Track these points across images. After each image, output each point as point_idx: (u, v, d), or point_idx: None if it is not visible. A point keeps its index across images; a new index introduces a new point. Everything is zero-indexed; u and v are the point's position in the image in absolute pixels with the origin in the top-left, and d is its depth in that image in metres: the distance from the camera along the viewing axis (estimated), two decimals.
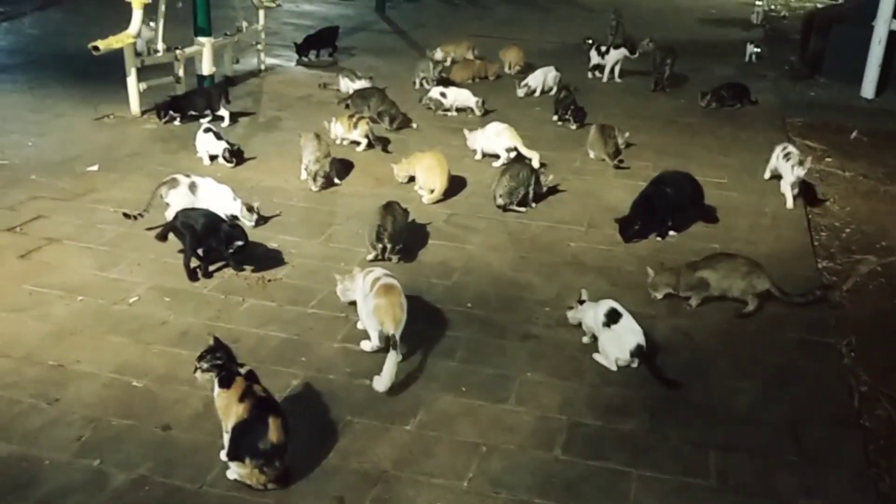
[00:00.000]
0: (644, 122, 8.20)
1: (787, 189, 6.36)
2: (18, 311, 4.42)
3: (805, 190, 6.47)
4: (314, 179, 6.24)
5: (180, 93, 7.97)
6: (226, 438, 3.27)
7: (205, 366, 3.32)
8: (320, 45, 10.39)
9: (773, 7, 16.31)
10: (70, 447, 3.43)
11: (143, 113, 7.79)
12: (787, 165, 6.33)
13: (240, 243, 4.85)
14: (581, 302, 4.45)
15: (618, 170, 6.90)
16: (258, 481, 3.19)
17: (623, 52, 9.84)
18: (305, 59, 10.20)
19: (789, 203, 6.30)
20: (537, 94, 9.07)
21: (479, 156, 7.02)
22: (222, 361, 3.31)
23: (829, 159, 7.59)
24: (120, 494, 3.19)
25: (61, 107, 7.96)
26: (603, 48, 9.99)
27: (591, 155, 7.16)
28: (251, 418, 3.20)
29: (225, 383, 3.30)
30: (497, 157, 6.88)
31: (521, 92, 9.03)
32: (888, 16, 9.36)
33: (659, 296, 4.85)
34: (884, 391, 4.15)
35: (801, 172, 6.23)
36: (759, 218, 6.14)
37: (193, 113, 7.67)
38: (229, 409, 3.26)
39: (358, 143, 7.15)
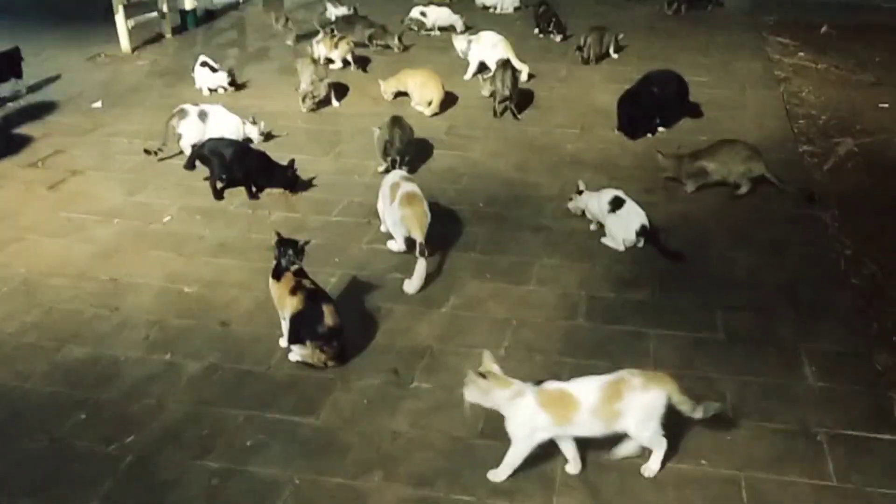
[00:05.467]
0: (623, 29, 8.40)
1: None
2: (61, 236, 4.70)
3: None
4: (303, 100, 6.47)
5: None
6: (284, 326, 3.61)
7: (275, 251, 3.64)
8: None
9: None
10: (140, 346, 3.76)
11: (133, 50, 7.91)
12: None
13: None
14: (580, 192, 4.78)
15: (603, 73, 7.18)
16: (319, 360, 3.54)
17: None
18: None
19: None
20: (499, 10, 9.29)
21: (470, 72, 7.19)
22: (277, 256, 3.61)
23: (801, 54, 7.91)
24: (196, 380, 3.54)
25: (52, 49, 8.06)
26: None
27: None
28: (306, 308, 3.53)
29: (275, 276, 3.64)
30: (485, 67, 7.07)
31: (478, 2, 9.43)
32: None
33: (673, 175, 5.21)
34: (867, 254, 4.55)
35: None
36: (740, 111, 6.48)
37: None
38: (283, 299, 3.60)
39: (332, 62, 7.36)
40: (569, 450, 3.04)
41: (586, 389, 2.93)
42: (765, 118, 6.32)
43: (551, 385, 2.96)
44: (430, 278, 4.23)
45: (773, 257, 4.49)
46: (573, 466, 3.05)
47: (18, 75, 6.87)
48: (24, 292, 4.19)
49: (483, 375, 2.89)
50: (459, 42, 7.36)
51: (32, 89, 6.98)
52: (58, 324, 3.92)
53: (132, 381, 3.53)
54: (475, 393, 2.90)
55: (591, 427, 2.94)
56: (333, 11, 8.79)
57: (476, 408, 2.95)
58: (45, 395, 3.46)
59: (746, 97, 6.76)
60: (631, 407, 2.90)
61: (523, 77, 6.90)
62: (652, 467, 3.05)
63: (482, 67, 7.13)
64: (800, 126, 6.25)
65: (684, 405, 2.96)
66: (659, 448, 3.03)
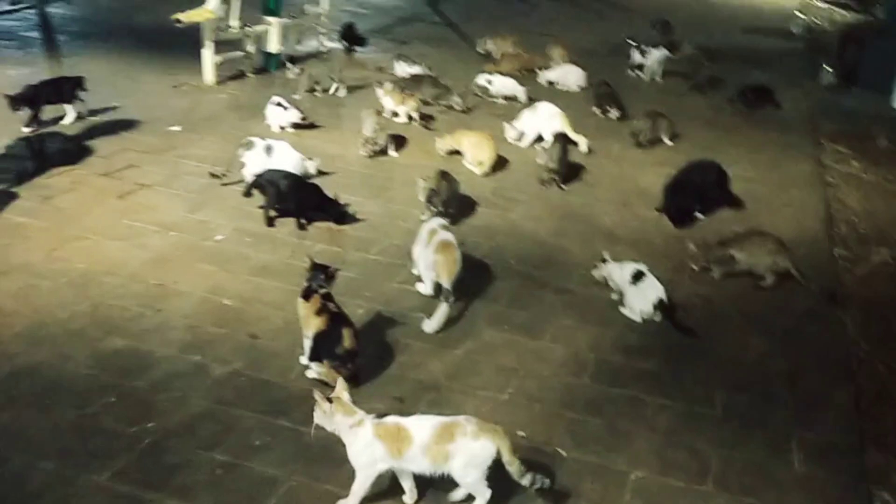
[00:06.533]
0: (681, 119, 8.65)
1: None
2: (121, 240, 5.10)
3: None
4: (364, 145, 6.86)
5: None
6: (306, 344, 3.89)
7: (307, 274, 3.94)
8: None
9: (815, 20, 16.62)
10: (174, 345, 4.09)
11: (216, 83, 8.47)
12: None
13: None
14: (604, 261, 5.00)
15: (654, 156, 7.44)
16: (334, 379, 3.77)
17: (664, 52, 10.32)
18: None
19: None
20: (564, 87, 9.62)
21: (527, 141, 7.49)
22: (308, 280, 3.92)
23: (854, 163, 8.03)
24: (219, 382, 3.84)
25: (141, 74, 8.64)
26: (644, 48, 10.46)
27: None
28: (328, 329, 3.82)
29: (304, 296, 3.94)
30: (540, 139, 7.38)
31: (542, 80, 9.66)
32: None
33: (697, 268, 5.37)
34: (881, 357, 4.65)
35: None
36: (782, 208, 6.64)
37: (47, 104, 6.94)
38: (308, 319, 3.89)
39: (397, 115, 7.76)
40: (406, 482, 3.20)
41: (421, 427, 3.10)
42: (805, 219, 6.47)
43: (390, 419, 3.14)
44: (450, 322, 4.48)
45: (785, 347, 4.62)
46: (409, 497, 3.22)
47: (69, 101, 7.09)
48: (79, 285, 4.58)
49: (330, 400, 3.09)
50: (510, 132, 7.58)
51: (118, 109, 7.51)
52: (104, 316, 4.29)
53: (162, 374, 3.85)
54: (320, 416, 3.09)
55: (421, 464, 3.09)
56: (406, 69, 9.27)
57: (321, 430, 3.14)
58: (82, 377, 3.80)
59: (790, 196, 6.92)
60: (459, 451, 3.05)
61: (583, 149, 7.25)
62: None
63: (539, 137, 7.44)
64: (839, 231, 6.38)
65: (512, 466, 3.10)
66: (481, 497, 3.16)
